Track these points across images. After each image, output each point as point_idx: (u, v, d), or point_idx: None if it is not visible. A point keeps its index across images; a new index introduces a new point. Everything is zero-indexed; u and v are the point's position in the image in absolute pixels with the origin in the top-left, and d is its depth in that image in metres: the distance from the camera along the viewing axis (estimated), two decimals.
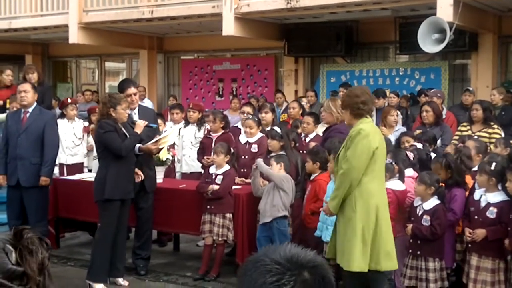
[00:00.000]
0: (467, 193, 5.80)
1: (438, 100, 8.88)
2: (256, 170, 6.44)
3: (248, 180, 7.07)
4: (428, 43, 9.15)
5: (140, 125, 6.43)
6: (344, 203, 5.09)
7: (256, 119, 7.47)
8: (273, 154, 6.81)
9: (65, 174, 8.87)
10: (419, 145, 6.70)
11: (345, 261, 5.08)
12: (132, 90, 6.86)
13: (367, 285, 5.26)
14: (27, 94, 7.28)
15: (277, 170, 6.28)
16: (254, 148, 7.25)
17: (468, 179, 6.02)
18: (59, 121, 8.57)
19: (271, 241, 6.24)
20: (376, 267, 5.06)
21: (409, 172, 6.01)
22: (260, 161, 6.32)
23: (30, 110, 7.31)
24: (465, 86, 10.78)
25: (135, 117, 6.82)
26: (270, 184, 6.34)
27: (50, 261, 1.62)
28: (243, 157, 7.25)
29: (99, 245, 6.36)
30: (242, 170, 7.18)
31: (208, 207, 6.60)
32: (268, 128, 7.69)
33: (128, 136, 6.30)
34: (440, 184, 5.60)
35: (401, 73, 11.62)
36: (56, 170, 8.79)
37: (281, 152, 6.75)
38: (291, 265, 1.35)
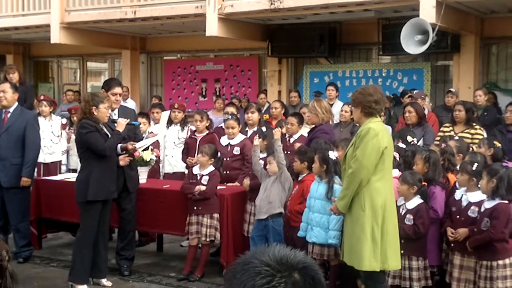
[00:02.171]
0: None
1: (423, 102, 8.94)
2: (256, 147, 6.43)
3: (231, 184, 7.06)
4: (411, 44, 9.20)
5: (122, 123, 6.39)
6: (353, 202, 5.08)
7: (236, 118, 7.46)
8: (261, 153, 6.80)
9: (42, 173, 8.78)
10: (402, 145, 6.73)
11: (356, 261, 5.08)
12: (118, 89, 6.85)
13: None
14: (6, 94, 7.21)
15: (276, 169, 6.27)
16: (236, 151, 7.22)
17: (453, 178, 6.06)
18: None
19: (266, 239, 6.23)
20: (384, 266, 5.07)
21: (395, 172, 6.02)
22: (280, 148, 6.24)
23: (11, 110, 7.24)
24: (447, 87, 10.86)
25: (115, 117, 6.78)
26: (268, 180, 6.30)
27: (10, 262, 1.59)
28: (224, 159, 7.23)
29: (80, 246, 6.32)
30: (224, 172, 7.16)
31: (195, 208, 6.57)
32: (255, 129, 7.68)
33: (109, 135, 6.27)
34: (423, 183, 5.64)
35: (383, 74, 11.67)
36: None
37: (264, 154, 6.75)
38: (280, 267, 1.32)
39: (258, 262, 1.33)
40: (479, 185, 5.43)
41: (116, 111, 6.84)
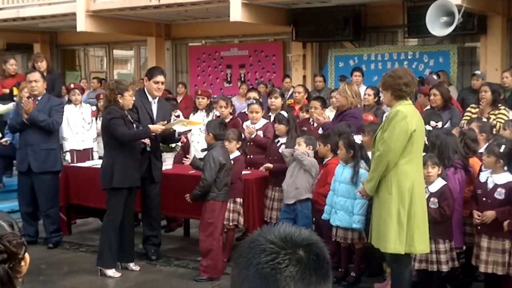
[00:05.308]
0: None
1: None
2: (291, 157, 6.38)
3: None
4: (437, 26, 9.10)
5: (158, 129, 6.43)
6: (380, 185, 5.09)
7: (260, 103, 7.49)
8: (280, 137, 6.81)
9: (75, 159, 8.90)
10: (428, 127, 6.66)
11: (381, 243, 5.10)
12: (160, 78, 6.93)
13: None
14: (38, 83, 7.35)
15: (305, 149, 6.27)
16: (260, 134, 7.27)
17: (474, 161, 6.01)
18: (67, 107, 8.59)
19: (294, 222, 6.25)
20: (410, 250, 5.07)
21: None
22: (300, 152, 6.25)
23: (39, 97, 7.37)
24: (474, 69, 10.73)
25: (154, 106, 6.89)
26: (294, 165, 6.31)
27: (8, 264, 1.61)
28: (248, 143, 7.26)
29: (107, 232, 6.44)
30: (249, 156, 7.20)
31: None
32: None
33: (133, 123, 6.36)
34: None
35: (409, 57, 11.57)
36: (68, 157, 8.84)
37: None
38: (285, 244, 1.35)
39: (264, 240, 1.36)
40: (505, 167, 5.40)
41: (156, 100, 6.91)
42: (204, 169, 6.10)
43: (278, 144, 6.80)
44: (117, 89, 6.25)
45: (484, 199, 5.46)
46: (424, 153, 5.77)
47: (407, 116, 4.99)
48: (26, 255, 1.65)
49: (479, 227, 5.50)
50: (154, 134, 6.49)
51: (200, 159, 6.63)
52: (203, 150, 6.77)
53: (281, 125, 6.79)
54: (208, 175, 6.06)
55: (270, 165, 6.70)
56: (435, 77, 9.58)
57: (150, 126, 6.44)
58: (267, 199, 6.79)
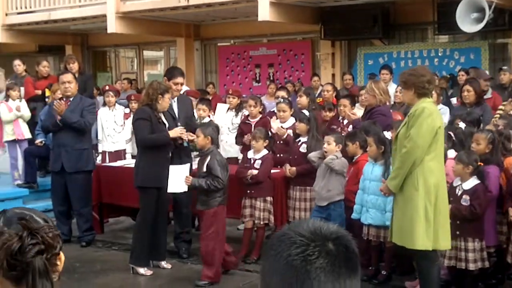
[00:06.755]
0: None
1: (485, 82, 8.68)
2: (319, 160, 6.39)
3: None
4: (467, 22, 9.03)
5: (177, 131, 6.43)
6: (405, 181, 5.06)
7: (288, 102, 7.49)
8: (301, 137, 6.80)
9: (107, 161, 9.02)
10: (462, 125, 6.61)
11: (408, 240, 5.07)
12: (180, 79, 7.01)
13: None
14: (71, 84, 7.50)
15: (334, 150, 6.28)
16: (290, 133, 7.28)
17: (508, 160, 5.95)
18: (102, 109, 8.72)
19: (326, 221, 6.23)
20: (436, 246, 5.05)
21: (451, 153, 5.94)
22: (330, 159, 6.25)
23: (71, 98, 7.49)
24: (506, 66, 10.59)
25: (174, 104, 6.95)
26: (324, 167, 6.29)
27: (39, 256, 1.61)
28: (278, 142, 7.28)
29: (139, 230, 6.53)
30: (277, 155, 7.20)
31: (248, 191, 6.66)
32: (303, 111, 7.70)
33: (166, 124, 6.43)
34: (479, 163, 5.54)
35: (440, 54, 11.48)
36: (99, 159, 8.96)
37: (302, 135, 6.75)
38: (314, 237, 1.37)
39: (293, 233, 1.39)
40: None
41: (175, 99, 7.00)
42: (216, 174, 6.00)
43: (299, 143, 6.80)
44: (159, 88, 6.36)
45: None
46: (451, 150, 5.75)
47: (432, 113, 5.01)
48: (61, 253, 1.68)
49: None
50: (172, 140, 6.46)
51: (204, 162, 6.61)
52: (198, 155, 6.75)
53: (302, 124, 6.77)
54: (222, 179, 6.03)
55: (293, 169, 6.70)
56: (487, 72, 9.49)
57: (170, 132, 6.41)
58: (289, 199, 6.80)
